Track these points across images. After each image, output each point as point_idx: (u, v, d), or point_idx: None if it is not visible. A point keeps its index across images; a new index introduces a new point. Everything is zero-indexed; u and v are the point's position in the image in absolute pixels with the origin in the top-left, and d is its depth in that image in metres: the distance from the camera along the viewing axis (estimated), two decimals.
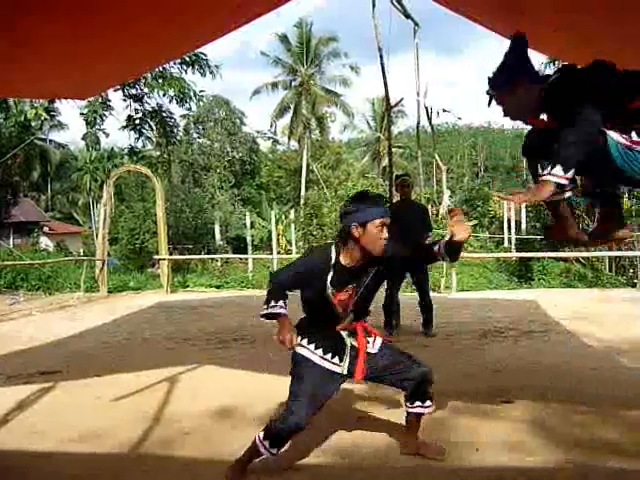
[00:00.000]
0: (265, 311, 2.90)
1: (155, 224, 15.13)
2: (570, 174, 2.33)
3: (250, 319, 8.28)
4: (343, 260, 2.86)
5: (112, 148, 32.92)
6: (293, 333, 2.92)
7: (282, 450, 2.93)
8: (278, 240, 20.78)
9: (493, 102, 2.71)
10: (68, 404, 4.44)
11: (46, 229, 36.44)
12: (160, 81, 15.71)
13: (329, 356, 2.94)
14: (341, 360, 2.95)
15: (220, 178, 33.86)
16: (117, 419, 4.01)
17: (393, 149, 19.66)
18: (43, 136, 35.30)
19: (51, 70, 4.44)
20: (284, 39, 35.28)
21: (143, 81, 15.59)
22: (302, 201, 26.97)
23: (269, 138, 38.88)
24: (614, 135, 2.37)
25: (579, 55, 4.24)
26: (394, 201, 7.32)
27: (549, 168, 2.34)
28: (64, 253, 25.41)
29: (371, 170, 37.42)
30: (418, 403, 3.06)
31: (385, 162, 32.95)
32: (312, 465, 3.11)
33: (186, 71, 16.49)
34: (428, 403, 3.08)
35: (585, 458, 3.15)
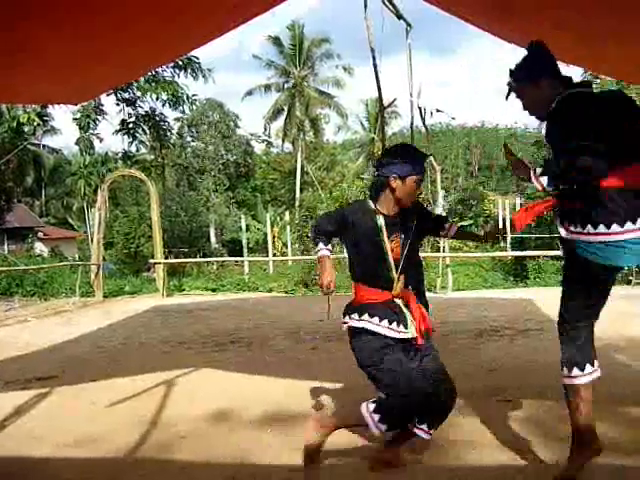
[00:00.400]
0: (316, 254, 2.93)
1: (150, 228, 15.10)
2: (549, 188, 2.48)
3: (246, 322, 8.27)
4: (381, 209, 2.84)
5: (106, 153, 32.80)
6: (333, 278, 2.79)
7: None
8: (274, 242, 20.77)
9: (512, 95, 2.69)
10: (65, 409, 4.43)
11: (40, 234, 36.25)
12: (153, 84, 15.66)
13: (394, 325, 2.81)
14: (406, 327, 2.83)
15: (215, 181, 33.80)
16: (113, 423, 3.99)
17: None
18: (36, 141, 35.18)
19: (47, 74, 4.40)
20: (277, 41, 35.25)
21: (136, 85, 15.55)
22: (297, 203, 26.94)
23: (263, 141, 38.84)
24: (570, 236, 2.49)
25: (574, 55, 4.26)
26: None
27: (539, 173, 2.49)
28: (59, 258, 25.35)
29: (366, 171, 37.32)
30: (424, 427, 2.87)
31: None
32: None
33: (179, 75, 16.42)
34: (432, 431, 2.91)
35: None
